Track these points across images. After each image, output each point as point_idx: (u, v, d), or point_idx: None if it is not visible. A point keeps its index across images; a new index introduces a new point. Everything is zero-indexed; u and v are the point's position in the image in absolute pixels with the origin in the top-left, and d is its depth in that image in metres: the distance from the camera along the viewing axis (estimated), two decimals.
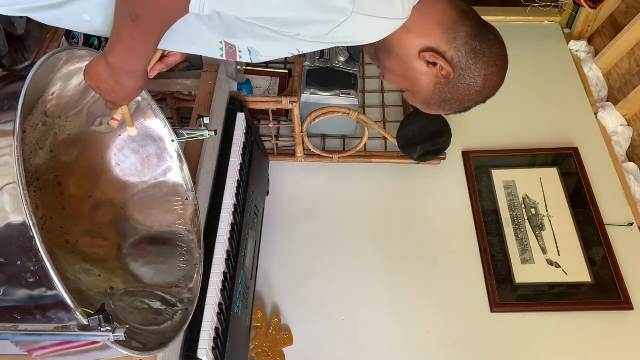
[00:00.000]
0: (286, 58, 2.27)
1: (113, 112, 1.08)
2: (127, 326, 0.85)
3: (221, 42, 0.91)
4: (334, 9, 0.75)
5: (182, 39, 0.94)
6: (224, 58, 0.94)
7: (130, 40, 0.83)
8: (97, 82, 0.90)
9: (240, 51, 0.91)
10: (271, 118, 1.94)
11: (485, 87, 0.93)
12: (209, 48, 0.93)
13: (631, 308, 1.77)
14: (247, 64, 2.13)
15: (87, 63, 0.93)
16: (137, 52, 0.85)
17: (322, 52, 2.08)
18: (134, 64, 0.87)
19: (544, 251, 1.91)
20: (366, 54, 1.00)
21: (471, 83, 0.91)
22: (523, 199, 2.05)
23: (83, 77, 0.92)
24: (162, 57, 1.03)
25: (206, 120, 1.28)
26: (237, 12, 0.79)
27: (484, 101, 0.97)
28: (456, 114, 1.01)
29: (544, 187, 2.08)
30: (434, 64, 0.90)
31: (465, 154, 2.17)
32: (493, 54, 0.91)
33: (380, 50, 0.94)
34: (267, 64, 2.29)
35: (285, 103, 1.85)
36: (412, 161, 2.04)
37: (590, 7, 2.35)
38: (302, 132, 1.98)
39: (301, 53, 0.93)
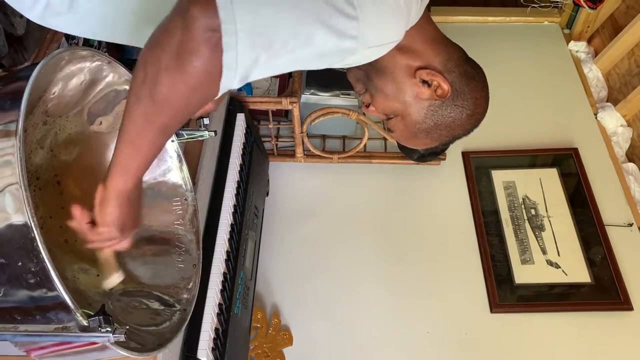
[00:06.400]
0: None
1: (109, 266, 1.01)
2: (127, 327, 0.85)
3: None
4: (338, 53, 0.74)
5: None
6: None
7: (152, 152, 0.80)
8: (113, 226, 0.84)
9: None
10: (271, 118, 1.94)
11: (475, 111, 0.93)
12: None
13: (631, 308, 1.77)
14: None
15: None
16: (154, 157, 0.83)
17: None
18: (145, 171, 0.85)
19: (544, 251, 1.91)
20: (351, 78, 0.98)
21: (463, 105, 0.91)
22: (523, 199, 2.05)
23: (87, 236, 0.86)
24: None
25: (206, 120, 1.28)
26: (257, 75, 0.75)
27: (470, 130, 0.97)
28: (439, 149, 0.99)
29: (543, 187, 2.08)
30: (429, 85, 0.89)
31: (465, 155, 2.17)
32: (481, 79, 0.94)
33: (372, 71, 0.92)
34: None
35: (285, 103, 1.85)
36: (412, 162, 2.04)
37: (590, 7, 2.35)
38: (301, 132, 1.98)
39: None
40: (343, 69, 0.91)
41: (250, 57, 0.68)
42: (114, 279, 1.01)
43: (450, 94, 0.90)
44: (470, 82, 0.92)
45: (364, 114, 2.05)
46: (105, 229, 0.85)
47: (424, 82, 0.90)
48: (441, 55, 0.91)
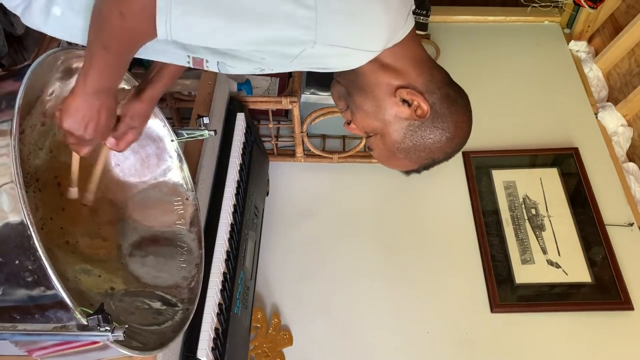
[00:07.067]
0: None
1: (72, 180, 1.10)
2: (126, 326, 0.85)
3: (188, 55, 0.92)
4: (295, 41, 0.76)
5: (150, 49, 0.95)
6: (191, 66, 0.94)
7: (105, 67, 0.86)
8: (80, 120, 0.89)
9: (207, 62, 0.92)
10: (271, 118, 1.94)
11: (455, 135, 0.93)
12: (176, 58, 0.94)
13: (631, 308, 1.77)
14: None
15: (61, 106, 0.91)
16: (112, 74, 0.89)
17: None
18: (109, 84, 0.90)
19: (544, 251, 1.91)
20: (334, 95, 0.99)
21: (444, 127, 0.91)
22: (523, 199, 2.04)
23: (59, 123, 0.90)
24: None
25: (206, 120, 1.28)
26: (201, 43, 0.80)
27: (450, 154, 0.96)
28: (417, 171, 0.99)
29: (544, 187, 2.08)
30: (409, 105, 0.89)
31: (465, 154, 2.17)
32: (464, 104, 0.93)
33: (353, 88, 0.93)
34: None
35: (285, 103, 1.85)
36: None
37: (590, 7, 2.35)
38: (301, 132, 1.98)
39: (273, 72, 0.93)
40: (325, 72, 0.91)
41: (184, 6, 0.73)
42: (71, 193, 1.09)
43: (429, 115, 0.89)
44: (452, 105, 0.91)
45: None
46: (69, 118, 0.89)
47: (404, 101, 0.89)
48: (424, 76, 0.90)
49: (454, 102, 0.92)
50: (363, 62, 0.85)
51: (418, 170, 0.98)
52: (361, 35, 0.80)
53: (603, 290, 1.82)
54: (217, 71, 0.93)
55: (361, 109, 0.93)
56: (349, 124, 0.98)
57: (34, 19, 0.94)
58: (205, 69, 0.93)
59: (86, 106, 0.88)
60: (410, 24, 0.88)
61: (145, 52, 0.96)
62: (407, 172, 1.00)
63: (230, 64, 0.90)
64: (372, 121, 0.93)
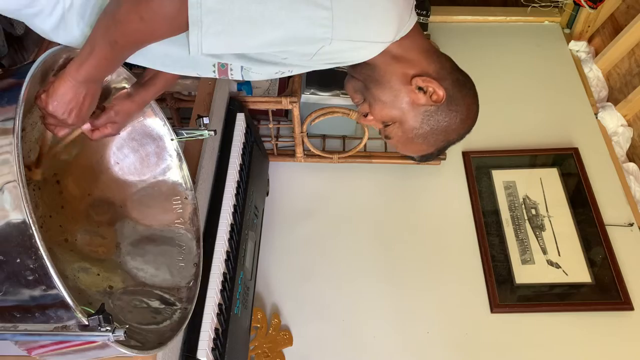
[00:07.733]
0: None
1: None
2: (127, 326, 0.85)
3: (214, 63, 0.96)
4: (313, 40, 0.81)
5: (177, 62, 0.98)
6: (217, 76, 0.98)
7: (103, 60, 0.88)
8: (65, 104, 0.91)
9: (232, 69, 0.95)
10: (271, 118, 1.94)
11: (467, 116, 0.99)
12: (203, 67, 0.97)
13: (631, 308, 1.77)
14: None
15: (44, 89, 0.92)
16: (107, 68, 0.92)
17: None
18: (101, 75, 0.93)
19: (544, 251, 1.91)
20: (349, 89, 1.03)
21: (457, 110, 0.97)
22: (523, 199, 2.04)
23: (44, 106, 0.92)
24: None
25: (205, 120, 1.28)
26: (229, 51, 0.84)
27: (463, 135, 1.01)
28: (432, 155, 1.03)
29: (544, 187, 2.08)
30: (424, 91, 0.94)
31: (466, 154, 2.17)
32: (471, 87, 1.00)
33: (369, 81, 0.97)
34: None
35: (285, 103, 1.84)
36: (412, 161, 2.03)
37: (590, 7, 2.35)
38: (301, 132, 1.98)
39: (292, 74, 0.98)
40: (339, 69, 0.94)
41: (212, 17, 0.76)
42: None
43: (444, 100, 0.94)
44: (462, 89, 0.97)
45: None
46: (54, 101, 0.92)
47: (420, 88, 0.94)
48: (434, 64, 0.96)
49: (464, 85, 0.98)
50: (375, 53, 0.90)
51: (433, 154, 1.03)
52: (373, 28, 0.84)
53: (603, 291, 1.82)
54: (241, 78, 0.96)
55: (379, 100, 0.97)
56: (365, 116, 1.02)
57: (45, 27, 0.97)
58: (230, 77, 0.97)
59: (73, 92, 0.91)
60: (415, 17, 0.93)
61: (174, 67, 0.99)
62: (422, 157, 1.05)
63: (253, 68, 0.93)
64: (390, 110, 0.97)
